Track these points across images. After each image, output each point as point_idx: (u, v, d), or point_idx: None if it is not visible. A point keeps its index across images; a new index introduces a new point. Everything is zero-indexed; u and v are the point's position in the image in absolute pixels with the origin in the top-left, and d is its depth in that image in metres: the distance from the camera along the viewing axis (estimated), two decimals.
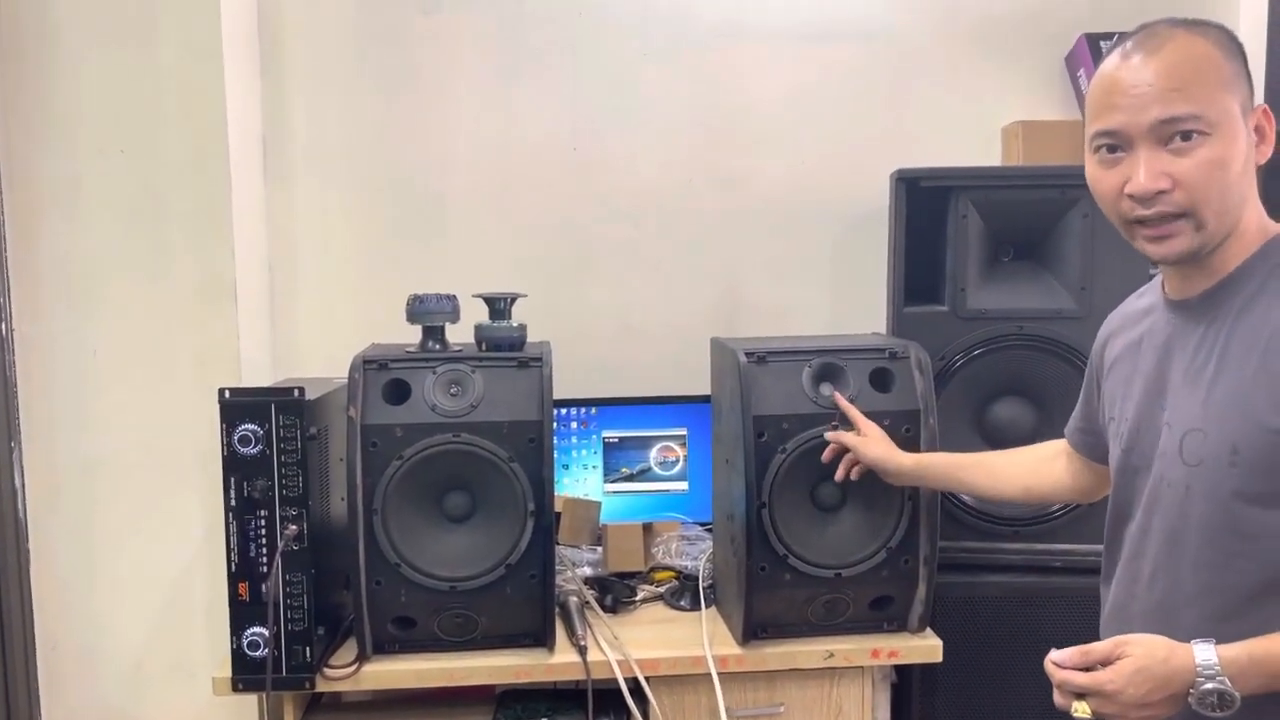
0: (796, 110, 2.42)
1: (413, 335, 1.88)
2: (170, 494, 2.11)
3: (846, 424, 1.78)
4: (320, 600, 1.75)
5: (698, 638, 1.86)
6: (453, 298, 1.86)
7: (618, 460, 2.31)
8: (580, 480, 2.30)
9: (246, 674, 1.71)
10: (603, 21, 2.38)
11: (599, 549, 2.13)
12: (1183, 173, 1.13)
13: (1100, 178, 1.20)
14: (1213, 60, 1.14)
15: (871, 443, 1.73)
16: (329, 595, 1.82)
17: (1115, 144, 1.18)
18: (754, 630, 1.82)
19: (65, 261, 2.07)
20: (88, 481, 2.11)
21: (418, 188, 2.38)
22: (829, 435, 1.77)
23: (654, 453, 2.32)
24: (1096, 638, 1.20)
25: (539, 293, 2.03)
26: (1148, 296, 1.36)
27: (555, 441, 1.79)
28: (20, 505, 2.07)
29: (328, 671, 1.76)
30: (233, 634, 1.71)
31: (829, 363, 1.83)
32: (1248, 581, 1.14)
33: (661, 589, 2.07)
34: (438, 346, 1.84)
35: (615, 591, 2.01)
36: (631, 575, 2.10)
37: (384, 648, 1.79)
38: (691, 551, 2.11)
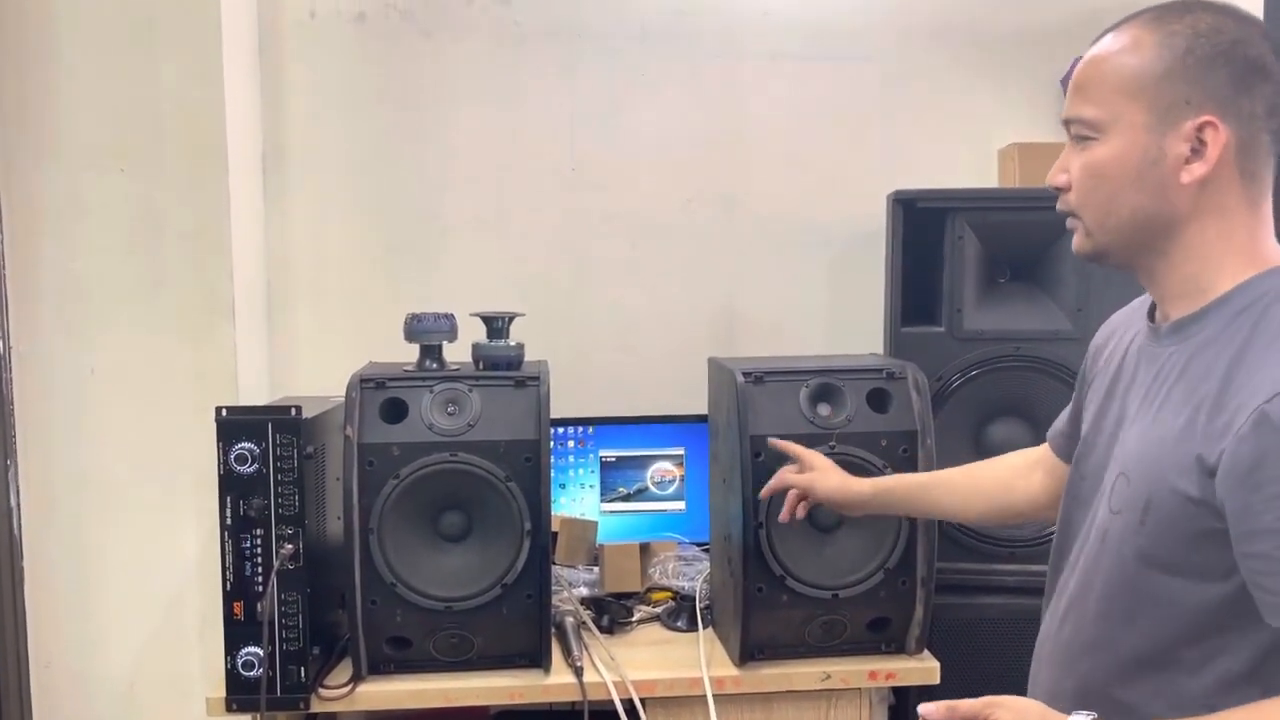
0: (794, 131, 2.43)
1: (410, 354, 1.88)
2: (166, 512, 2.10)
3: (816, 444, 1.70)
4: (315, 620, 1.74)
5: (695, 659, 1.85)
6: (450, 317, 1.87)
7: (615, 480, 2.31)
8: (577, 500, 2.30)
9: (241, 694, 1.70)
10: (601, 42, 2.40)
11: (595, 569, 2.13)
12: (1073, 173, 1.11)
13: None
14: (1131, 62, 1.05)
15: (821, 477, 1.60)
16: (324, 615, 1.81)
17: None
18: (751, 651, 1.82)
19: (63, 279, 2.07)
20: (83, 499, 2.10)
21: (416, 207, 2.38)
22: (771, 484, 1.65)
23: (651, 472, 2.32)
24: None
25: (537, 312, 2.03)
26: (1145, 308, 1.24)
27: (552, 461, 1.79)
28: (15, 523, 2.07)
29: (323, 692, 1.75)
30: (227, 653, 1.70)
31: (826, 383, 1.84)
32: (1139, 646, 1.08)
33: (658, 609, 2.06)
34: (435, 365, 1.84)
35: (612, 612, 2.01)
36: (628, 596, 2.09)
37: (379, 668, 1.78)
38: (688, 572, 2.11)
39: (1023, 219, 2.00)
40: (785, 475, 1.64)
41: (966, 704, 1.01)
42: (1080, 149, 1.10)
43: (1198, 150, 1.03)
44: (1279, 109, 1.04)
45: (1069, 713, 1.01)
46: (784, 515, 1.63)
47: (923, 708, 1.04)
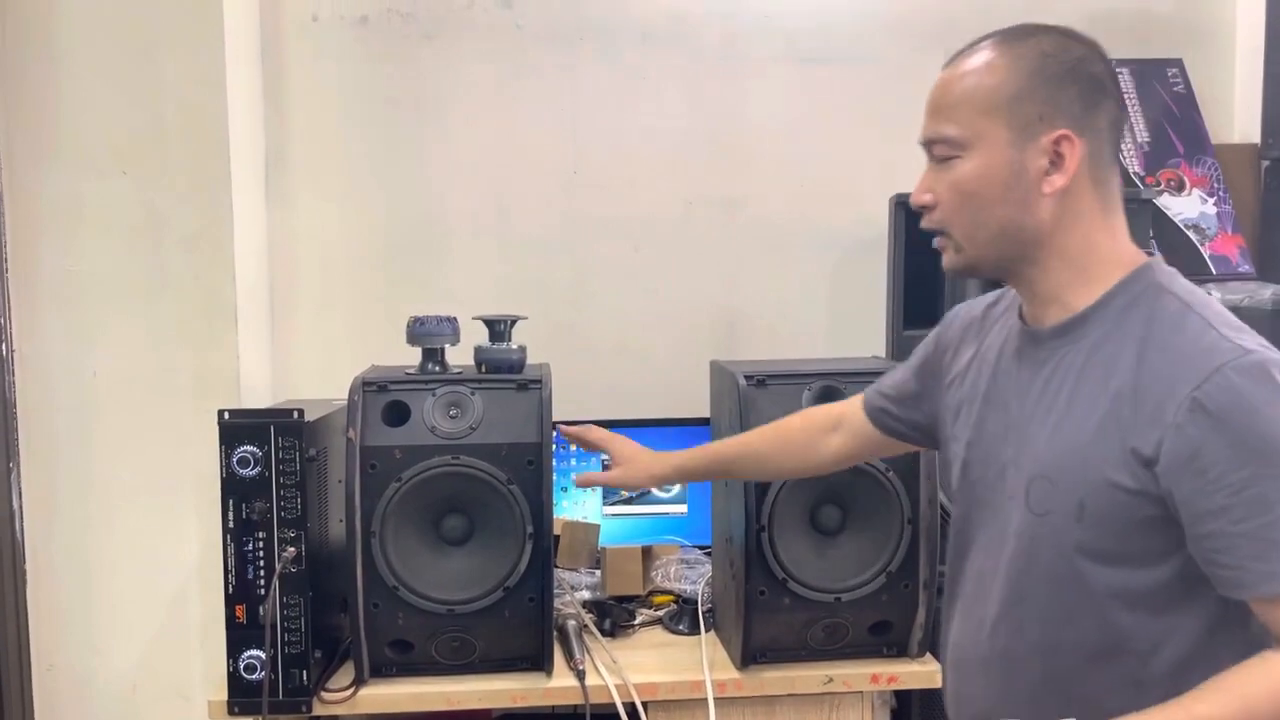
0: (796, 133, 2.43)
1: (413, 357, 1.88)
2: (168, 515, 2.10)
3: None
4: (317, 623, 1.74)
5: (697, 662, 1.85)
6: (453, 320, 1.87)
7: None
8: (579, 503, 2.30)
9: (242, 697, 1.70)
10: (603, 45, 2.40)
11: (598, 572, 2.13)
12: (939, 192, 1.14)
13: None
14: (987, 82, 1.11)
15: (627, 475, 1.66)
16: (326, 618, 1.81)
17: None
18: (753, 655, 1.81)
19: (66, 282, 2.08)
20: (85, 502, 2.11)
21: (419, 210, 2.39)
22: (576, 478, 1.73)
23: None
24: None
25: (539, 315, 2.03)
26: (1002, 308, 1.29)
27: (554, 464, 1.79)
28: (18, 526, 2.07)
29: (324, 695, 1.75)
30: (229, 656, 1.70)
31: (829, 385, 1.83)
32: (1089, 640, 1.11)
33: (660, 613, 2.06)
34: (437, 368, 1.84)
35: (614, 615, 2.01)
36: (630, 599, 2.09)
37: (381, 671, 1.78)
38: (690, 575, 2.11)
39: None
40: (591, 477, 1.72)
41: None
42: (944, 168, 1.13)
43: (1055, 162, 1.09)
44: (1118, 122, 1.13)
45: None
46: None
47: None
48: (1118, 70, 2.36)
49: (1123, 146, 2.31)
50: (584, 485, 1.68)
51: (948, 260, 1.17)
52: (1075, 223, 1.12)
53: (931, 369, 1.38)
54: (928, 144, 1.16)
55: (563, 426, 1.76)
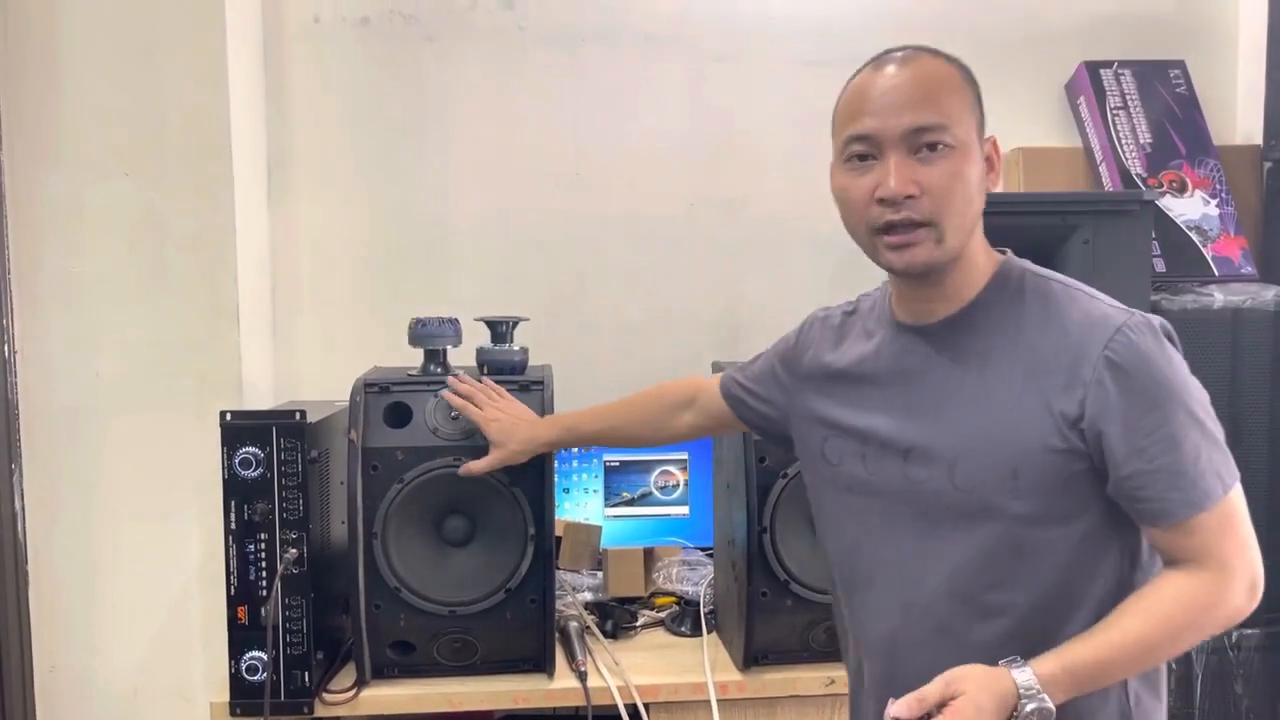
0: (797, 134, 2.43)
1: (414, 358, 1.88)
2: (170, 516, 2.10)
3: None
4: (319, 624, 1.74)
5: (698, 663, 1.85)
6: (455, 321, 1.86)
7: (618, 484, 2.31)
8: (581, 504, 2.30)
9: (244, 698, 1.70)
10: (604, 46, 2.40)
11: (599, 574, 2.13)
12: (930, 182, 1.16)
13: (849, 185, 1.21)
14: (958, 83, 1.20)
15: (504, 456, 1.67)
16: (328, 619, 1.81)
17: (866, 151, 1.19)
18: (755, 656, 1.81)
19: (68, 283, 2.08)
20: (87, 503, 2.11)
21: (420, 211, 2.39)
22: (460, 471, 1.70)
23: (655, 477, 2.31)
24: None
25: (541, 316, 2.03)
26: (863, 313, 1.37)
27: (556, 465, 1.78)
28: (20, 527, 2.07)
29: (326, 696, 1.75)
30: (231, 658, 1.70)
31: None
32: (1031, 597, 1.19)
33: (662, 614, 2.06)
34: (439, 370, 1.84)
35: (616, 617, 2.01)
36: (632, 600, 2.09)
37: (383, 672, 1.78)
38: (692, 577, 2.11)
39: (1026, 223, 1.99)
40: (471, 467, 1.69)
41: (931, 691, 1.11)
42: (934, 158, 1.17)
43: (991, 163, 1.23)
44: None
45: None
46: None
47: (891, 708, 1.11)
48: (1120, 71, 2.39)
49: (1124, 148, 2.31)
50: (467, 475, 1.69)
51: (927, 253, 1.19)
52: (979, 222, 1.23)
53: (791, 368, 1.44)
54: (916, 131, 1.17)
55: (445, 393, 1.73)
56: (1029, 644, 1.16)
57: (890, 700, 1.12)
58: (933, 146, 1.17)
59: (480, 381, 1.77)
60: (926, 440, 1.23)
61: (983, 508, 1.19)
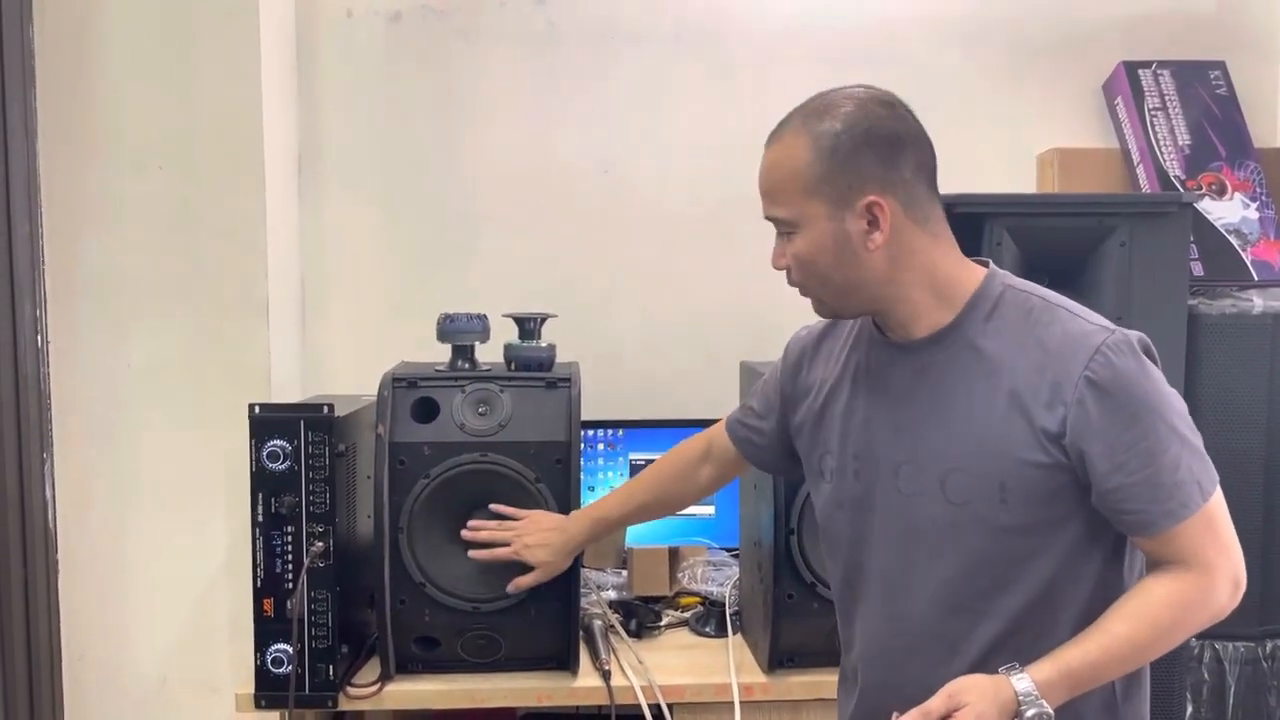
0: None
1: (442, 354, 1.88)
2: (198, 508, 2.12)
3: None
4: (344, 618, 1.74)
5: (723, 665, 1.84)
6: (483, 317, 1.86)
7: None
8: None
9: (269, 691, 1.71)
10: (635, 43, 2.39)
11: (624, 572, 2.12)
12: (791, 260, 1.29)
13: None
14: (798, 166, 1.24)
15: (548, 572, 1.69)
16: (353, 613, 1.82)
17: None
18: (780, 659, 1.80)
19: (102, 276, 2.09)
20: (117, 494, 2.12)
21: (450, 207, 2.39)
22: (509, 587, 1.71)
23: None
24: None
25: (569, 313, 2.02)
26: (844, 329, 1.42)
27: (582, 463, 1.78)
28: (50, 516, 2.09)
29: (350, 690, 1.75)
30: (256, 650, 1.71)
31: None
32: (1019, 602, 1.24)
33: (687, 614, 2.05)
34: (467, 365, 1.84)
35: (640, 616, 2.00)
36: (657, 600, 2.08)
37: (407, 667, 1.78)
38: (717, 577, 2.09)
39: (1062, 225, 1.97)
40: (520, 583, 1.70)
41: (935, 705, 1.16)
42: (790, 239, 1.28)
43: (873, 223, 1.23)
44: (924, 165, 1.26)
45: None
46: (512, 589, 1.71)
47: None
48: (1158, 72, 2.35)
49: (1162, 149, 2.27)
50: (516, 591, 1.72)
51: (816, 309, 1.33)
52: (912, 260, 1.25)
53: (784, 392, 1.49)
54: (770, 219, 1.29)
55: (474, 552, 1.72)
56: (1018, 646, 1.22)
57: (895, 715, 1.17)
58: (785, 232, 1.28)
59: (509, 370, 1.78)
60: (911, 457, 1.28)
61: (973, 519, 1.24)
